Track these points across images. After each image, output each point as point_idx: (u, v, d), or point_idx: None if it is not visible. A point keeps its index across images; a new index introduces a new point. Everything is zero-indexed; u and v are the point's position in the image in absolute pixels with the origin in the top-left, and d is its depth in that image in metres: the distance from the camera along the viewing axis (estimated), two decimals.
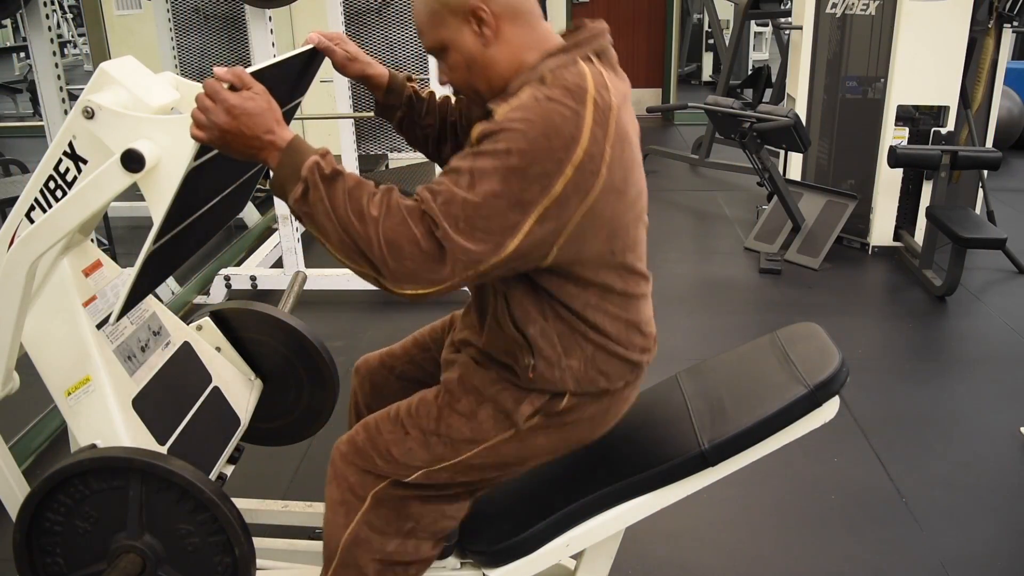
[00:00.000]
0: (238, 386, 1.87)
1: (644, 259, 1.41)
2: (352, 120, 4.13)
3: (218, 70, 1.21)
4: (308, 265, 3.77)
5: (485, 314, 1.42)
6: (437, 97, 1.61)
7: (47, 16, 2.93)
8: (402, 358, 1.71)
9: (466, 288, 1.32)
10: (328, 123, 5.29)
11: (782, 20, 6.14)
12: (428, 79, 3.55)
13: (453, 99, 1.63)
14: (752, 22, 8.12)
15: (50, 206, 1.40)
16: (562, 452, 1.48)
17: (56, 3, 3.01)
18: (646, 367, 1.46)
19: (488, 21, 1.26)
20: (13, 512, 1.54)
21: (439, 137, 1.62)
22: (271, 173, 1.23)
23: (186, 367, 1.74)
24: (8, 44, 8.98)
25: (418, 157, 5.10)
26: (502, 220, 1.17)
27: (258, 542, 1.54)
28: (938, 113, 4.12)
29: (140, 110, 1.35)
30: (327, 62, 1.53)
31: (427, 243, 1.16)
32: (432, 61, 1.42)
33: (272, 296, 3.70)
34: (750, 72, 7.86)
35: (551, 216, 1.19)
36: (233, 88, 1.19)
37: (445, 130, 1.61)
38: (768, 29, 8.35)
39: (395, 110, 1.57)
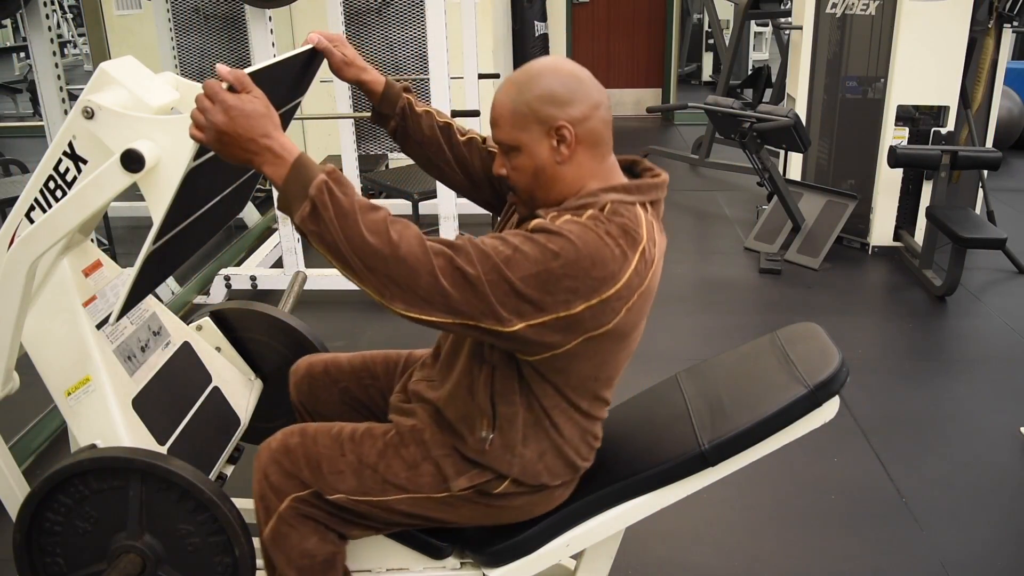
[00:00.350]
0: (238, 386, 1.87)
1: (614, 388, 1.47)
2: (352, 120, 4.13)
3: (221, 68, 1.20)
4: (308, 265, 3.77)
5: (453, 376, 1.43)
6: (438, 117, 1.58)
7: (47, 16, 2.92)
8: (348, 374, 1.70)
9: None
10: (328, 123, 5.29)
11: (782, 20, 6.14)
12: (428, 79, 3.55)
13: (470, 134, 1.61)
14: (752, 22, 8.11)
15: (50, 206, 1.40)
16: (484, 524, 1.50)
17: (56, 3, 3.01)
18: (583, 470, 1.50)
19: (569, 141, 1.28)
20: (13, 512, 1.54)
21: (438, 159, 1.59)
22: (274, 187, 1.21)
23: (186, 367, 1.74)
24: (8, 44, 8.98)
25: None
26: (516, 304, 1.20)
27: (258, 542, 1.53)
28: (938, 113, 4.12)
29: (140, 110, 1.35)
30: (327, 63, 1.53)
31: (447, 276, 1.18)
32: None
33: (272, 296, 3.70)
34: (750, 72, 7.86)
35: (558, 327, 1.23)
36: (232, 90, 1.18)
37: (449, 156, 1.59)
38: (768, 29, 8.34)
39: (388, 119, 1.57)
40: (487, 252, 1.19)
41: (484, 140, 1.60)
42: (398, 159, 5.38)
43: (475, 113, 4.00)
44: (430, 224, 3.95)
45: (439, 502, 1.43)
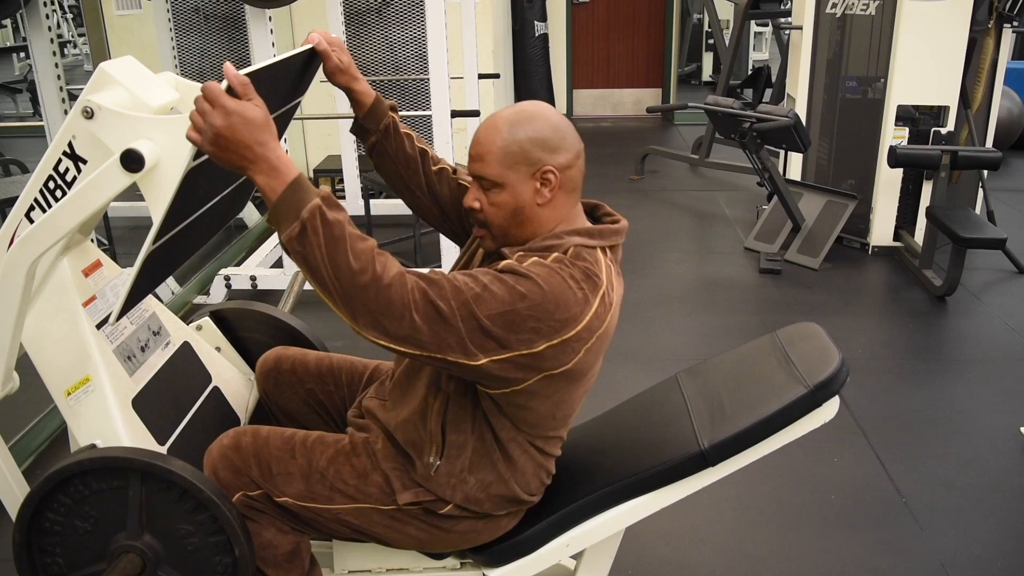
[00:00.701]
0: (238, 386, 1.87)
1: (569, 425, 1.49)
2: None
3: (228, 67, 1.18)
4: None
5: (406, 402, 1.45)
6: (416, 141, 1.60)
7: (47, 16, 2.93)
8: (315, 376, 1.72)
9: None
10: (328, 123, 5.29)
11: (782, 20, 6.15)
12: (428, 79, 3.55)
13: (442, 163, 1.62)
14: (752, 22, 8.11)
15: (50, 206, 1.40)
16: (427, 549, 1.51)
17: (56, 3, 3.01)
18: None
19: (553, 185, 1.34)
20: (13, 512, 1.54)
21: (412, 183, 1.60)
22: (265, 199, 1.21)
23: (186, 367, 1.74)
24: (8, 44, 8.98)
25: None
26: (482, 340, 1.23)
27: None
28: (938, 113, 4.12)
29: (140, 110, 1.35)
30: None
31: (419, 312, 1.20)
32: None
33: (272, 296, 3.70)
34: (750, 72, 7.85)
35: (520, 364, 1.26)
36: (232, 93, 1.17)
37: (423, 182, 1.59)
38: (768, 29, 8.34)
39: (369, 134, 1.56)
40: (459, 288, 1.22)
41: (455, 171, 1.62)
42: None
43: (475, 113, 4.00)
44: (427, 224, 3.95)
45: (386, 515, 1.44)
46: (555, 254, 1.31)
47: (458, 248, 1.63)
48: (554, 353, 1.27)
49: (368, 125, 1.55)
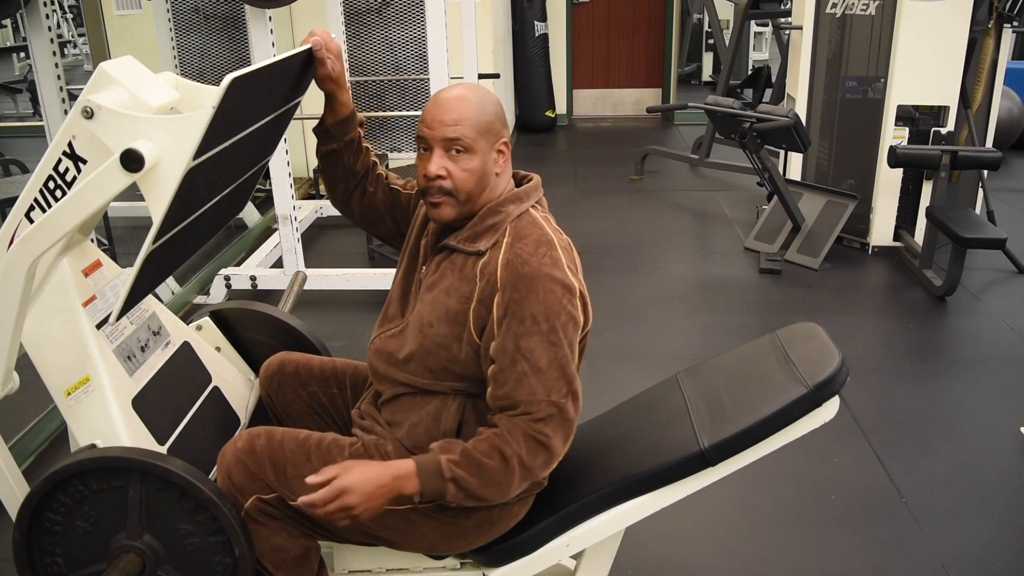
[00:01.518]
0: (238, 386, 1.87)
1: None
2: None
3: (311, 481, 1.33)
4: (308, 265, 3.77)
5: (415, 411, 1.48)
6: (369, 156, 1.66)
7: (47, 16, 2.93)
8: (318, 379, 1.73)
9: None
10: None
11: (782, 20, 6.14)
12: (429, 80, 3.55)
13: (379, 170, 1.68)
14: (752, 22, 8.11)
15: (50, 206, 1.40)
16: (440, 551, 1.53)
17: (56, 3, 3.01)
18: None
19: (505, 156, 1.48)
20: (13, 512, 1.54)
21: (354, 189, 1.66)
22: (415, 497, 1.37)
23: (186, 367, 1.74)
24: (8, 44, 8.98)
25: None
26: (568, 373, 1.37)
27: None
28: (938, 113, 4.12)
29: (140, 110, 1.35)
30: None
31: (551, 438, 1.35)
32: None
33: (272, 296, 3.70)
34: (750, 72, 7.85)
35: (579, 346, 1.42)
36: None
37: (362, 189, 1.66)
38: (768, 29, 8.34)
39: (332, 141, 1.61)
40: (531, 386, 1.34)
41: (387, 177, 1.69)
42: (398, 159, 5.38)
43: None
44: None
45: (400, 517, 1.45)
46: (503, 241, 1.41)
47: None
48: (584, 307, 1.40)
49: (335, 132, 1.61)
